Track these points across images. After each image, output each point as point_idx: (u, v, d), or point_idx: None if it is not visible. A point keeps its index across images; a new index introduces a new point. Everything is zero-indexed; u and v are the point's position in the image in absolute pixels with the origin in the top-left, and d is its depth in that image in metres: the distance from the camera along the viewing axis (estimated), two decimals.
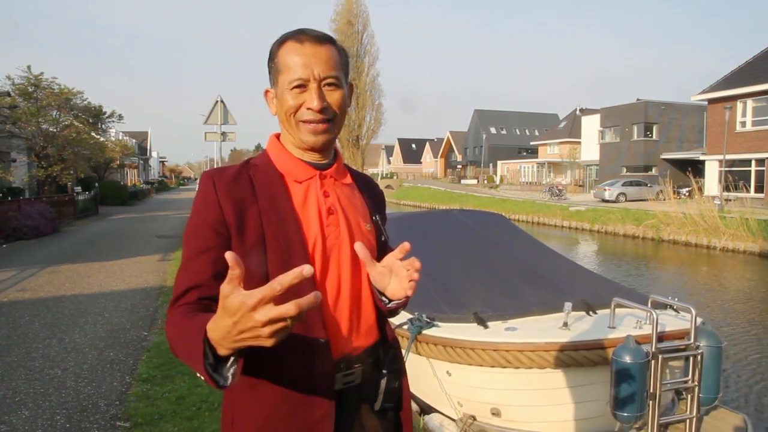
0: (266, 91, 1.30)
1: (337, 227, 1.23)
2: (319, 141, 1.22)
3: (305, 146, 1.24)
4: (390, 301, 1.22)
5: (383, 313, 1.29)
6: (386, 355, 1.29)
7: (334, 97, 1.21)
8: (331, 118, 1.22)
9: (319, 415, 1.15)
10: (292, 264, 1.14)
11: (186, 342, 1.00)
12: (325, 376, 1.16)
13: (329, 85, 1.20)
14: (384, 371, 1.26)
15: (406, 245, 1.17)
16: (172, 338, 1.07)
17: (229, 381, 0.95)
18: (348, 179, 1.34)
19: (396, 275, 1.19)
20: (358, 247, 1.17)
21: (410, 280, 1.17)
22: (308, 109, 1.19)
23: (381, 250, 1.31)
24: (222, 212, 1.15)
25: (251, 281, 1.15)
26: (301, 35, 1.20)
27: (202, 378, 0.97)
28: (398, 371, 1.30)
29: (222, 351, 0.92)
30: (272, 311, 0.84)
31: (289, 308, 0.83)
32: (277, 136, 1.31)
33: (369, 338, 1.27)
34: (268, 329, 0.85)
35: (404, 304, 1.25)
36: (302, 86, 1.18)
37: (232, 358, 0.95)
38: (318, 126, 1.20)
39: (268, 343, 0.88)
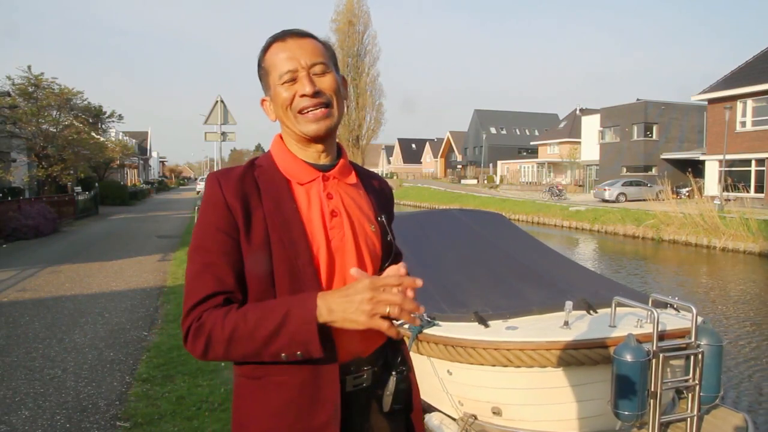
0: (262, 101, 1.30)
1: (341, 230, 1.22)
2: (321, 128, 1.21)
3: (309, 137, 1.22)
4: None
5: None
6: (395, 357, 1.29)
7: (325, 81, 1.22)
8: (328, 103, 1.21)
9: (325, 419, 1.14)
10: (298, 267, 1.15)
11: (274, 316, 1.07)
12: (330, 381, 1.15)
13: (318, 72, 1.21)
14: (393, 373, 1.26)
15: (419, 282, 1.08)
16: (239, 323, 1.08)
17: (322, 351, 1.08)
18: (353, 178, 1.32)
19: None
20: (355, 272, 1.13)
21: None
22: (302, 96, 1.19)
23: (386, 250, 1.30)
24: (231, 213, 1.15)
25: (254, 281, 1.16)
26: (282, 34, 1.24)
27: (293, 351, 1.07)
28: (406, 373, 1.29)
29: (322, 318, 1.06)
30: (385, 293, 1.03)
31: (396, 296, 1.03)
32: (282, 137, 1.31)
33: (377, 340, 1.26)
34: (370, 306, 1.02)
35: None
36: (292, 79, 1.20)
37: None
38: (317, 112, 1.20)
39: (363, 318, 1.03)
